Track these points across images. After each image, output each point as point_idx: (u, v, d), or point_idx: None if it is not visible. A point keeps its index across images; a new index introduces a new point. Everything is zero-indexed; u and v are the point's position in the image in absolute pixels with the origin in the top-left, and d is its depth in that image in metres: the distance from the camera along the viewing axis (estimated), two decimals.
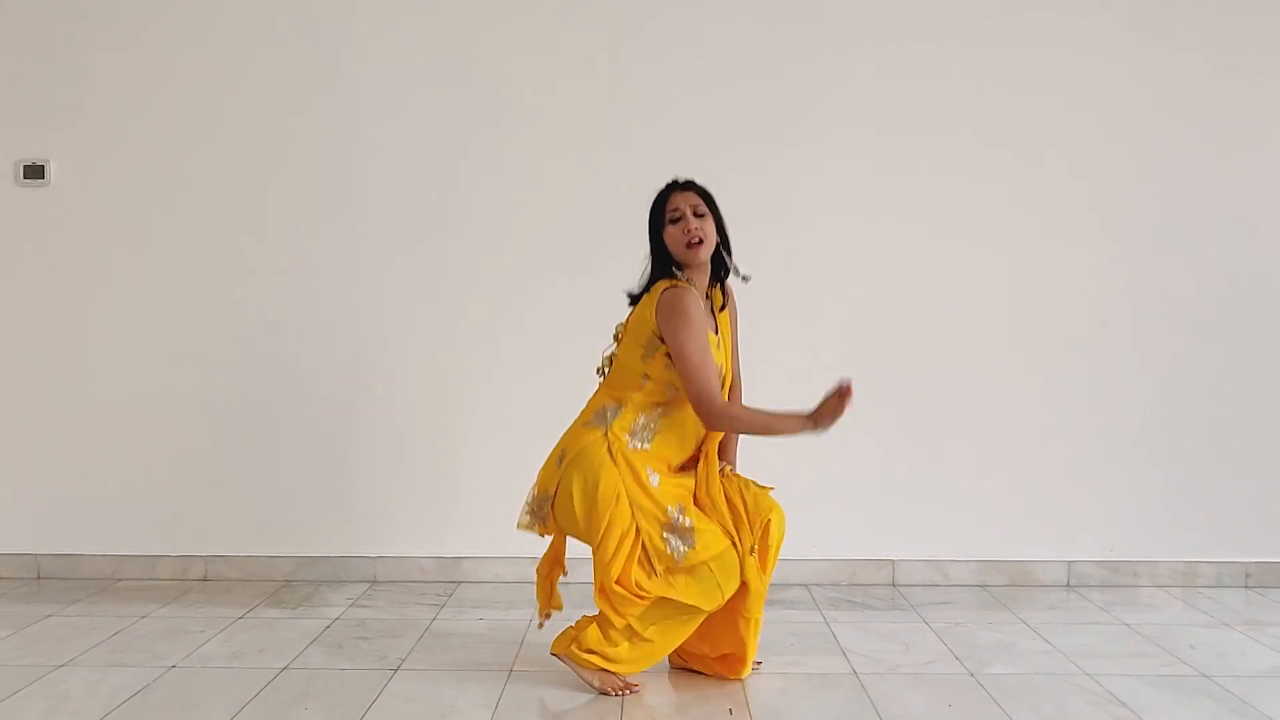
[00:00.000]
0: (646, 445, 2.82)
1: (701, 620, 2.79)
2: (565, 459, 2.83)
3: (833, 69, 3.90)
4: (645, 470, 2.79)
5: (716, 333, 2.91)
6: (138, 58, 3.93)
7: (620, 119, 3.80)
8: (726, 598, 2.74)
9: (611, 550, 2.72)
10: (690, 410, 2.80)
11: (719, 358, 2.85)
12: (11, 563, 3.97)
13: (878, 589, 3.85)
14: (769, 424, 2.79)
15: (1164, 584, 3.89)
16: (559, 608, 3.00)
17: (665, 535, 2.71)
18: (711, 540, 2.74)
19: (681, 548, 2.71)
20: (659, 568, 2.71)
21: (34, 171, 3.90)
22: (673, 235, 2.80)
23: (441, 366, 3.94)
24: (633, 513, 2.73)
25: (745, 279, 2.95)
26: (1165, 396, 3.92)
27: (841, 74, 3.90)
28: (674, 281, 2.82)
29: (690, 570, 2.71)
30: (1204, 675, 2.92)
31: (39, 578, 3.95)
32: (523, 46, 3.87)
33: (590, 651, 2.77)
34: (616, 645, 2.77)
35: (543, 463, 2.91)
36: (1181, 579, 3.90)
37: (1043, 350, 3.92)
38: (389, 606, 3.58)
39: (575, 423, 2.92)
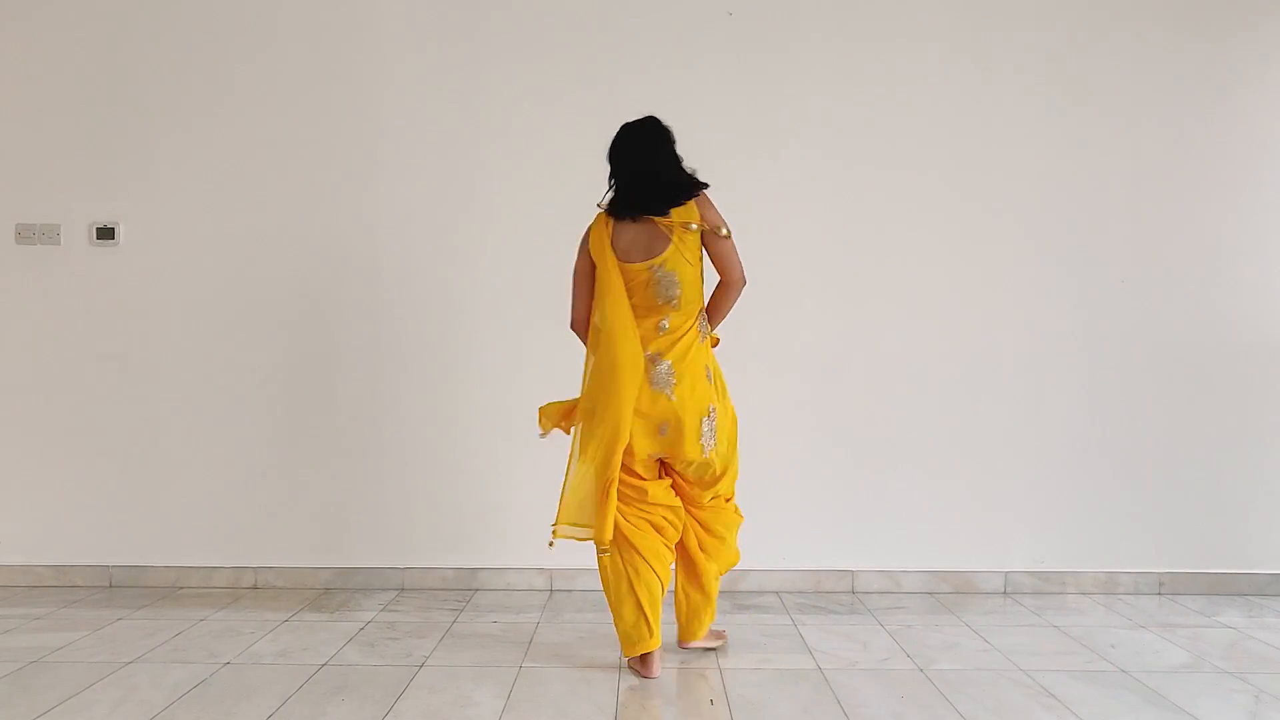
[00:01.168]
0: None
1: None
2: (714, 377, 3.06)
3: (797, 90, 3.98)
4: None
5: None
6: (199, 129, 4.05)
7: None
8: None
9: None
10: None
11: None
12: (86, 573, 4.07)
13: (839, 595, 3.93)
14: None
15: (1088, 591, 3.99)
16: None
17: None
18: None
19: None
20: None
21: (105, 233, 4.07)
22: None
23: (456, 402, 4.01)
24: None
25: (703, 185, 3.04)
26: (1089, 423, 4.00)
27: (808, 98, 3.98)
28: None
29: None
30: (1123, 671, 3.04)
31: (110, 586, 4.05)
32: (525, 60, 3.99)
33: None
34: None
35: (681, 388, 2.95)
36: (1103, 587, 4.00)
37: (982, 383, 4.00)
38: (415, 611, 3.68)
39: (684, 343, 2.99)
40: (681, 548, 3.16)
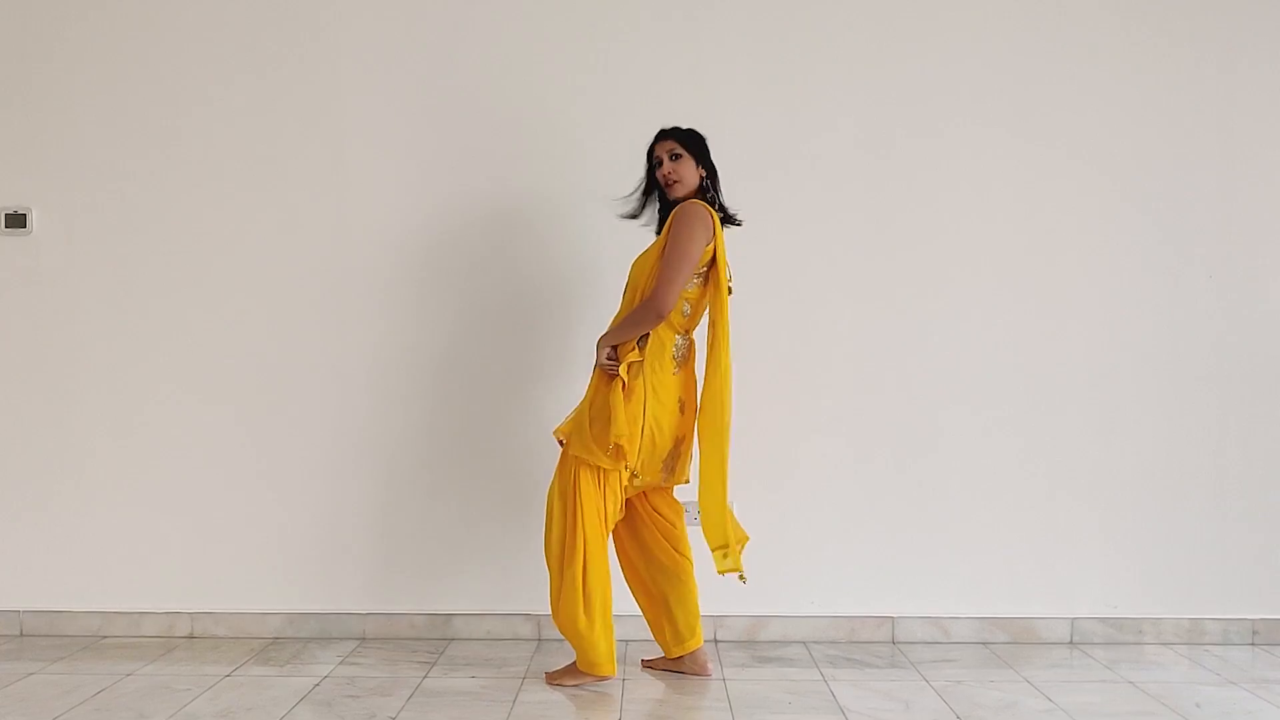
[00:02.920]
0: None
1: None
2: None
3: (834, 89, 3.89)
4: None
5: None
6: (116, 104, 3.91)
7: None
8: None
9: None
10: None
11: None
12: None
13: (877, 646, 3.80)
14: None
15: (1169, 641, 3.85)
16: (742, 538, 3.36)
17: None
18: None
19: None
20: None
21: (16, 220, 3.88)
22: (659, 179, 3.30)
23: (435, 419, 3.89)
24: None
25: (737, 222, 3.35)
26: (1167, 451, 3.89)
27: (844, 97, 3.88)
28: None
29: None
30: None
31: (21, 635, 3.90)
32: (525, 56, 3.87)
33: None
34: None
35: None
36: (1187, 636, 3.86)
37: (1044, 405, 3.89)
38: (379, 664, 3.54)
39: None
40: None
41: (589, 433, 3.15)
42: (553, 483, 3.27)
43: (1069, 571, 3.89)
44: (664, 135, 3.28)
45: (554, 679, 3.29)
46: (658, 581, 3.36)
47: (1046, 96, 3.89)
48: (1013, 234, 3.89)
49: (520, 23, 3.89)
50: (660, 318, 3.10)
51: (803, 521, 3.87)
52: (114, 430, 3.92)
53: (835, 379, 3.90)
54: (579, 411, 3.27)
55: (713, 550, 3.24)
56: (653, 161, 3.28)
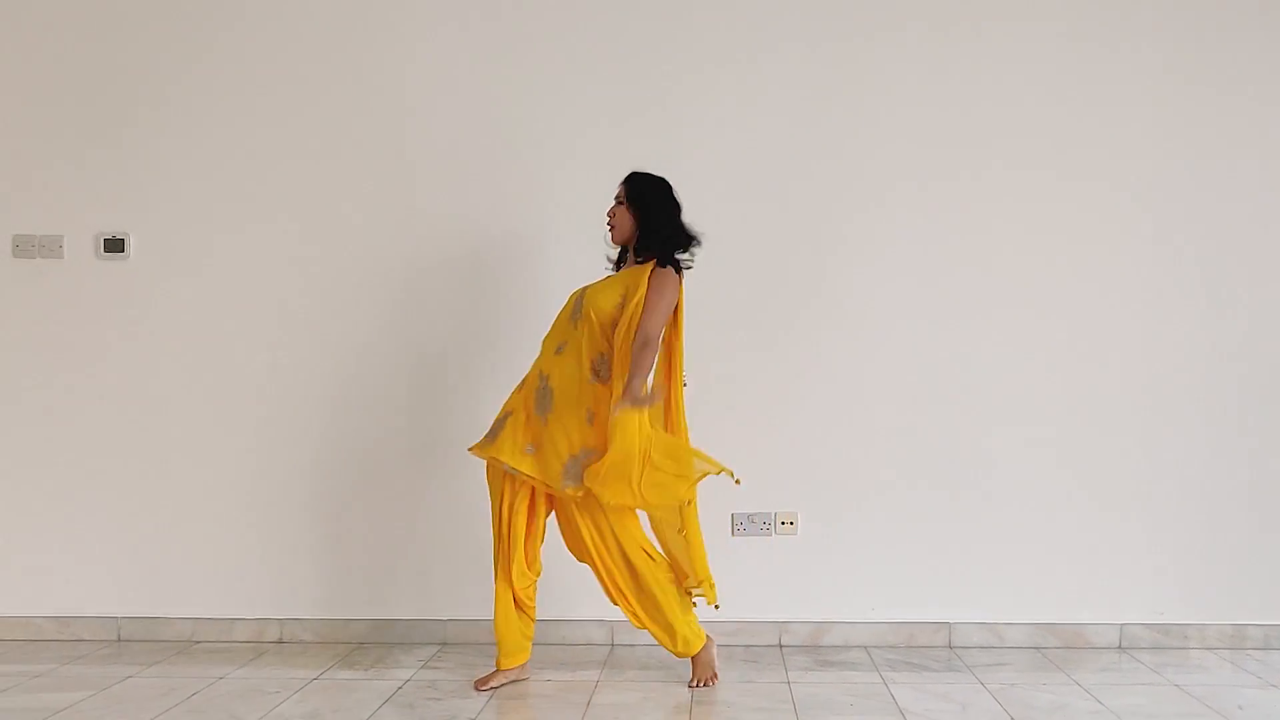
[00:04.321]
0: None
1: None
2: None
3: (889, 115, 3.95)
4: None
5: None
6: (203, 141, 4.02)
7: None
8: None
9: None
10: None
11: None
12: (92, 625, 3.98)
13: (934, 650, 3.84)
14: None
15: (1213, 646, 3.86)
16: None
17: None
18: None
19: None
20: None
21: (114, 245, 3.99)
22: None
23: None
24: None
25: (685, 267, 3.38)
26: (1212, 461, 3.91)
27: (898, 121, 3.95)
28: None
29: None
30: None
31: (119, 640, 3.97)
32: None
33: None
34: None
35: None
36: (1230, 641, 3.87)
37: (1092, 417, 3.91)
38: (459, 668, 3.58)
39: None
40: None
41: (643, 477, 3.20)
42: (590, 541, 3.35)
43: (1117, 580, 3.91)
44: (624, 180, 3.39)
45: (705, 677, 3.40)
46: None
47: (1090, 137, 3.93)
48: (1057, 265, 3.93)
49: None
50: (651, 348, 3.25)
51: (864, 533, 3.92)
52: (205, 447, 4.01)
53: (892, 393, 3.94)
54: (608, 465, 3.20)
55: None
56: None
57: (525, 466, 3.25)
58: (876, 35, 3.95)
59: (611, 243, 3.41)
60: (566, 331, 3.35)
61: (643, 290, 3.23)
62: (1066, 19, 3.94)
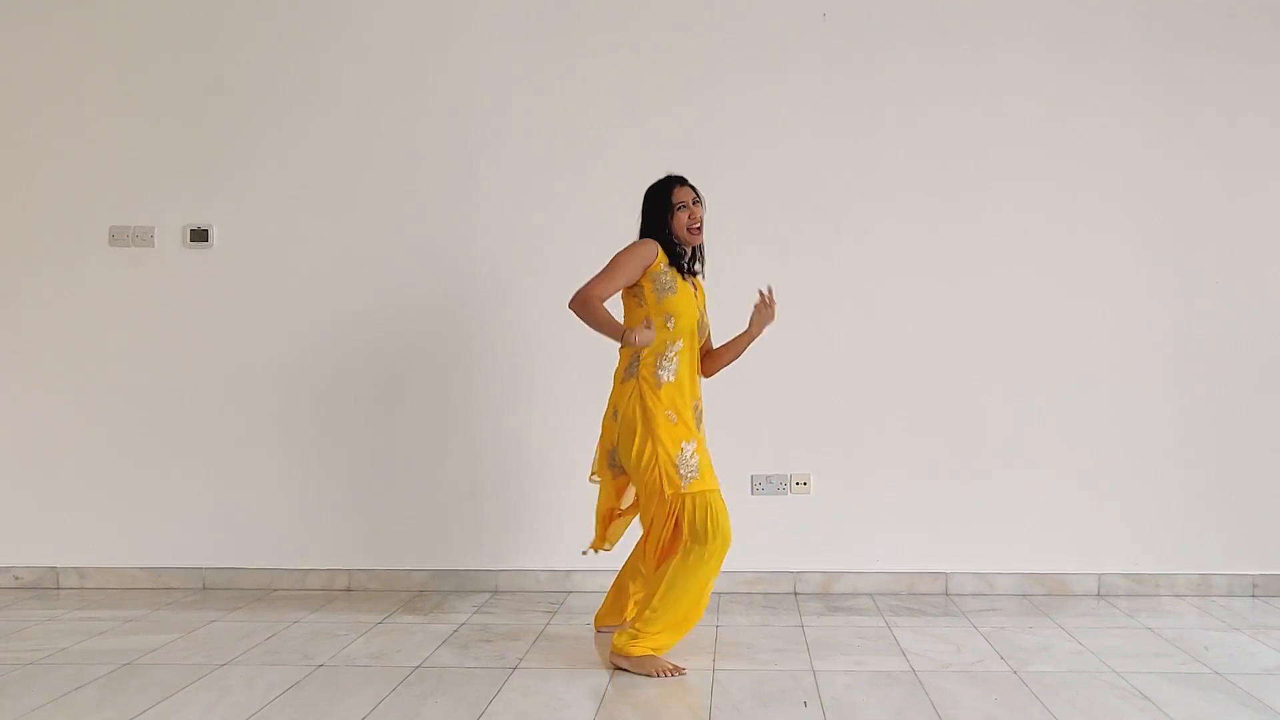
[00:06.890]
0: (672, 377, 3.15)
1: (707, 579, 3.06)
2: (618, 415, 3.19)
3: (892, 123, 4.08)
4: (666, 413, 3.12)
5: (696, 294, 3.31)
6: (291, 134, 4.17)
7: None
8: (719, 536, 3.03)
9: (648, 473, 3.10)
10: (688, 355, 3.21)
11: (694, 309, 3.24)
12: (180, 575, 4.17)
13: (933, 598, 3.99)
14: (601, 323, 3.16)
15: (1182, 594, 4.02)
16: (609, 546, 3.41)
17: (676, 462, 3.07)
18: (709, 478, 3.11)
19: (688, 474, 3.06)
20: (669, 490, 3.05)
21: (199, 235, 4.14)
22: (680, 220, 3.22)
23: (552, 402, 4.08)
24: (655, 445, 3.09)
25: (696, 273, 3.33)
26: (1182, 431, 4.05)
27: (900, 130, 4.08)
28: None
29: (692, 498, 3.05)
30: (1217, 673, 3.04)
31: (204, 588, 4.15)
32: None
33: (635, 642, 3.05)
34: (654, 626, 3.04)
35: (602, 420, 3.29)
36: (1197, 589, 4.03)
37: (1076, 394, 4.05)
38: (508, 614, 3.73)
39: (614, 379, 3.26)
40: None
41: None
42: (654, 537, 3.15)
43: (1096, 534, 4.06)
44: (684, 181, 3.30)
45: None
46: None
47: (1085, 147, 4.06)
48: (1050, 249, 4.08)
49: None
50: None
51: (870, 493, 4.07)
52: (282, 417, 4.18)
53: (894, 363, 4.07)
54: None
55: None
56: (676, 204, 3.24)
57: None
58: (876, 56, 4.10)
59: (701, 241, 3.28)
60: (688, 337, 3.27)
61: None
62: (1065, 50, 4.08)
